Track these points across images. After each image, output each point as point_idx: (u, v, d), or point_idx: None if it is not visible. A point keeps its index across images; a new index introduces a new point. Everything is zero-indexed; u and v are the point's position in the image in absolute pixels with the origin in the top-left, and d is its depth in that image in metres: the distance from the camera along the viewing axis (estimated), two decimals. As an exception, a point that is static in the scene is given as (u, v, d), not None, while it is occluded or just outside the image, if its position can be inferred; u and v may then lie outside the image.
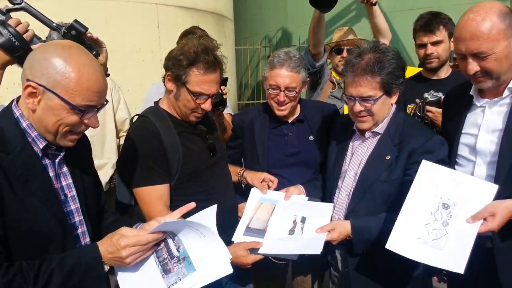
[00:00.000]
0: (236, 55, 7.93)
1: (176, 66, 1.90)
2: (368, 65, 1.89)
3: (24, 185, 1.33)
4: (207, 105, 1.96)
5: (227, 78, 2.62)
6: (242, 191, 2.38)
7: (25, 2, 1.69)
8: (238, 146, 2.50)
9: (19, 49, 1.52)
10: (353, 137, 2.15)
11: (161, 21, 5.02)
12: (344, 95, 2.04)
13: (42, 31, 1.79)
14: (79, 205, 1.51)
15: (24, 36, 1.55)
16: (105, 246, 1.40)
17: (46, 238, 1.38)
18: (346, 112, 2.56)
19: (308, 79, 2.43)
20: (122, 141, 3.29)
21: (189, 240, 1.47)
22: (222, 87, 2.52)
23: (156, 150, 1.89)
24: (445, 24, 2.72)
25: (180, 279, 1.45)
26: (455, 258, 1.60)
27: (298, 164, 2.38)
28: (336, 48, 3.35)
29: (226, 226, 2.06)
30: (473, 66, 1.73)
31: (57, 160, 1.45)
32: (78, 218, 1.51)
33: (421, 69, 2.94)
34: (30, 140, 1.38)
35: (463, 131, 1.93)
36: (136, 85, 4.56)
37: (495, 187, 1.69)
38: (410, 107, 2.66)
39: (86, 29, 1.78)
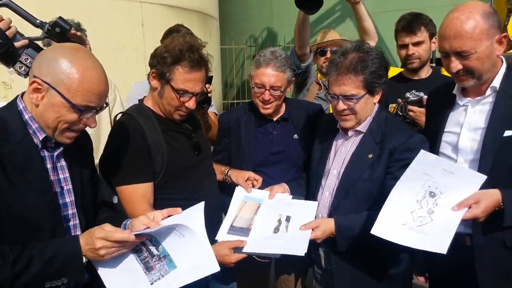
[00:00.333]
0: (221, 54, 7.92)
1: (161, 64, 1.88)
2: (352, 64, 1.91)
3: (21, 173, 1.41)
4: (191, 104, 1.94)
5: (212, 77, 2.62)
6: (227, 190, 2.38)
7: None
8: (225, 148, 2.50)
9: (1, 46, 1.51)
10: (337, 136, 2.17)
11: (146, 19, 4.98)
12: (328, 94, 2.06)
13: (24, 28, 1.76)
14: (74, 199, 1.57)
15: (7, 33, 1.54)
16: (84, 238, 1.47)
17: (36, 226, 1.44)
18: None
19: (294, 78, 2.44)
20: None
21: (167, 240, 1.53)
22: (207, 86, 2.51)
23: (139, 148, 1.88)
24: (426, 25, 2.76)
25: (163, 276, 1.51)
26: (438, 241, 1.63)
27: (283, 163, 2.39)
28: (319, 50, 3.37)
29: (210, 225, 2.05)
30: (456, 65, 1.77)
31: (55, 153, 1.53)
32: (71, 211, 1.57)
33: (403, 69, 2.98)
34: (31, 132, 1.46)
35: (445, 130, 1.96)
36: (120, 84, 4.48)
37: (483, 177, 1.71)
38: (392, 107, 2.70)
39: (71, 26, 1.77)
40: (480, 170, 1.78)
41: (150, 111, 2.00)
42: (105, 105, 1.53)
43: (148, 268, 1.52)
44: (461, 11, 1.73)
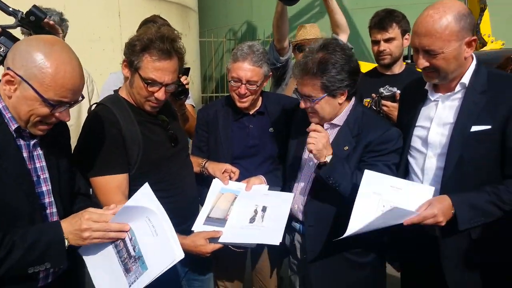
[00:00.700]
0: (200, 47, 7.86)
1: (130, 52, 1.86)
2: (311, 67, 1.94)
3: None
4: (160, 94, 1.89)
5: (189, 68, 2.61)
6: (204, 182, 2.39)
7: None
8: (205, 142, 2.48)
9: None
10: (313, 129, 2.20)
11: (123, 10, 4.90)
12: (297, 91, 2.10)
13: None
14: (51, 187, 1.58)
15: None
16: (68, 220, 1.48)
17: (14, 213, 1.44)
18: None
19: (271, 73, 2.46)
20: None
21: (144, 240, 1.54)
22: (184, 78, 2.50)
23: (114, 139, 1.85)
24: (398, 22, 2.81)
25: (138, 278, 1.53)
26: None
27: (258, 155, 2.42)
28: (298, 46, 3.40)
29: (187, 217, 2.07)
30: (423, 62, 1.81)
31: (32, 142, 1.52)
32: (48, 199, 1.57)
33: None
34: (5, 120, 1.46)
35: (416, 124, 2.00)
36: (96, 75, 4.40)
37: (432, 188, 1.80)
38: (366, 101, 2.75)
39: (45, 15, 1.74)
40: (447, 164, 1.84)
41: (125, 102, 1.97)
42: (80, 99, 1.52)
43: (127, 270, 1.54)
44: (436, 9, 1.75)
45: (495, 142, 1.78)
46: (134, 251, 1.53)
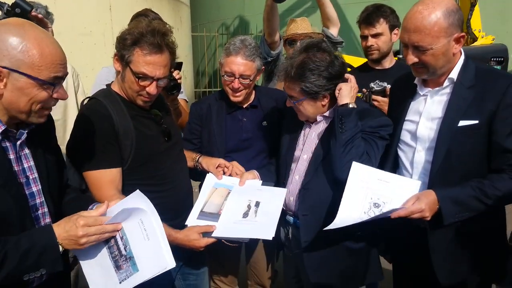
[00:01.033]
0: (192, 42, 7.83)
1: (121, 45, 1.85)
2: (288, 71, 1.99)
3: None
4: (151, 89, 1.89)
5: (181, 63, 2.60)
6: (197, 176, 2.41)
7: None
8: (198, 137, 2.49)
9: None
10: (305, 123, 2.22)
11: (114, 4, 4.87)
12: None
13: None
14: (40, 187, 1.52)
15: None
16: (61, 225, 1.43)
17: (4, 219, 1.38)
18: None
19: (263, 67, 2.48)
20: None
21: (135, 242, 1.54)
22: (176, 72, 2.51)
23: (107, 133, 1.85)
24: (386, 17, 2.82)
25: (128, 277, 1.53)
26: None
27: (252, 149, 2.44)
28: (288, 41, 3.40)
29: (180, 211, 2.08)
30: (412, 57, 1.83)
31: (18, 143, 1.45)
32: (39, 200, 1.52)
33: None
34: None
35: (406, 118, 2.03)
36: (87, 70, 4.41)
37: (418, 183, 1.85)
38: (357, 96, 2.77)
39: (31, 7, 1.72)
40: (435, 158, 1.87)
41: (118, 96, 1.97)
42: (67, 72, 1.47)
43: (117, 267, 1.54)
44: (425, 5, 1.76)
45: (482, 136, 1.81)
46: (125, 250, 1.53)
